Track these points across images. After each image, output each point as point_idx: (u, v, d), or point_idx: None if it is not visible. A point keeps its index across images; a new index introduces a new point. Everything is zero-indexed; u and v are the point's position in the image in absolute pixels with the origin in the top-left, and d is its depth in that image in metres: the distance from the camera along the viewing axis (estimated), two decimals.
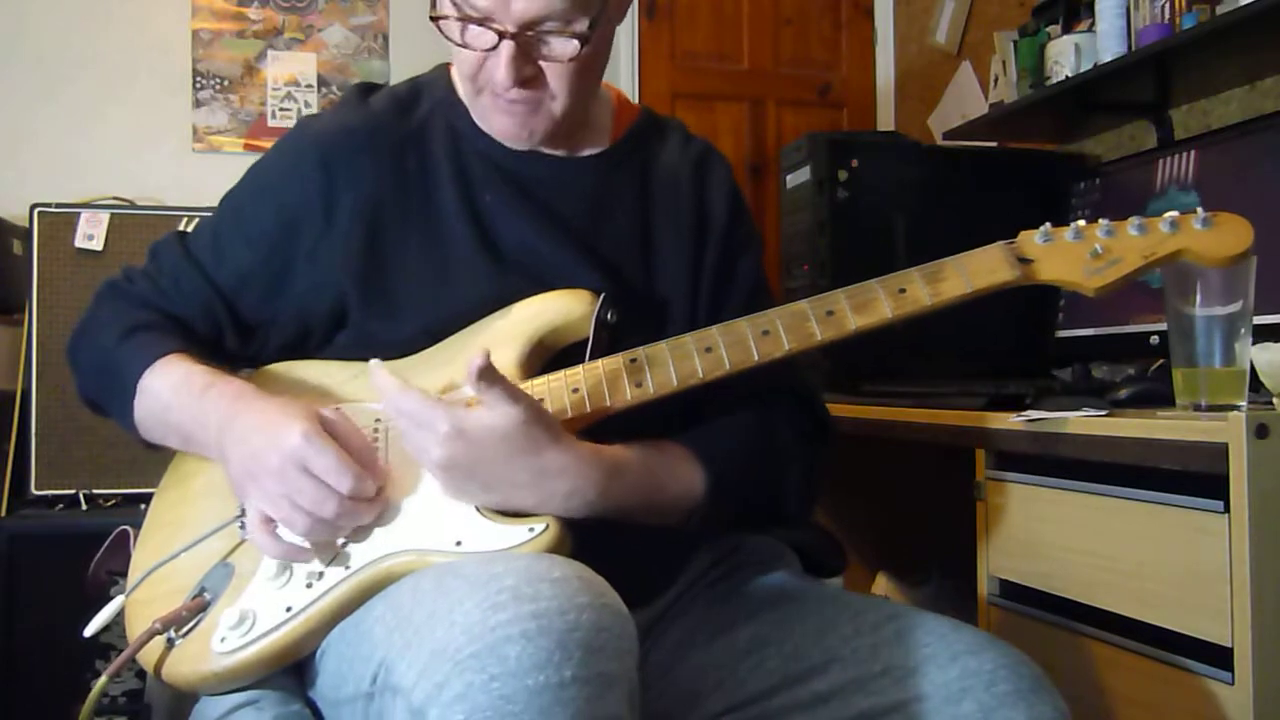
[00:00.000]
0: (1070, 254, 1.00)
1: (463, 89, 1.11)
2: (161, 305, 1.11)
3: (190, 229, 1.17)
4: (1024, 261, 1.00)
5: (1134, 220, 1.00)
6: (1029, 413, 1.21)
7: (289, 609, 0.94)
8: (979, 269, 0.99)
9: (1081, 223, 1.01)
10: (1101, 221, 1.01)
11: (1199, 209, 1.00)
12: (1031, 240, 1.01)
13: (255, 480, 0.95)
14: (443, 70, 1.17)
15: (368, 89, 1.15)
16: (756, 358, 0.98)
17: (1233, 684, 0.97)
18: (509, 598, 0.76)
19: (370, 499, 0.95)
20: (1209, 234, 0.99)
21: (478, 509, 0.94)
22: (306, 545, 0.95)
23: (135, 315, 1.10)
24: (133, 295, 1.12)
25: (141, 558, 1.06)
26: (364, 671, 0.86)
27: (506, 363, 1.00)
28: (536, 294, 1.04)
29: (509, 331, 1.02)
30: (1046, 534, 1.22)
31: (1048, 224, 1.02)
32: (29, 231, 2.36)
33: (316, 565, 0.95)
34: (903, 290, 0.98)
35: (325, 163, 1.07)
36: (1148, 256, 0.99)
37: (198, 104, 2.91)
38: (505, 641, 0.73)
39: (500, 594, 0.77)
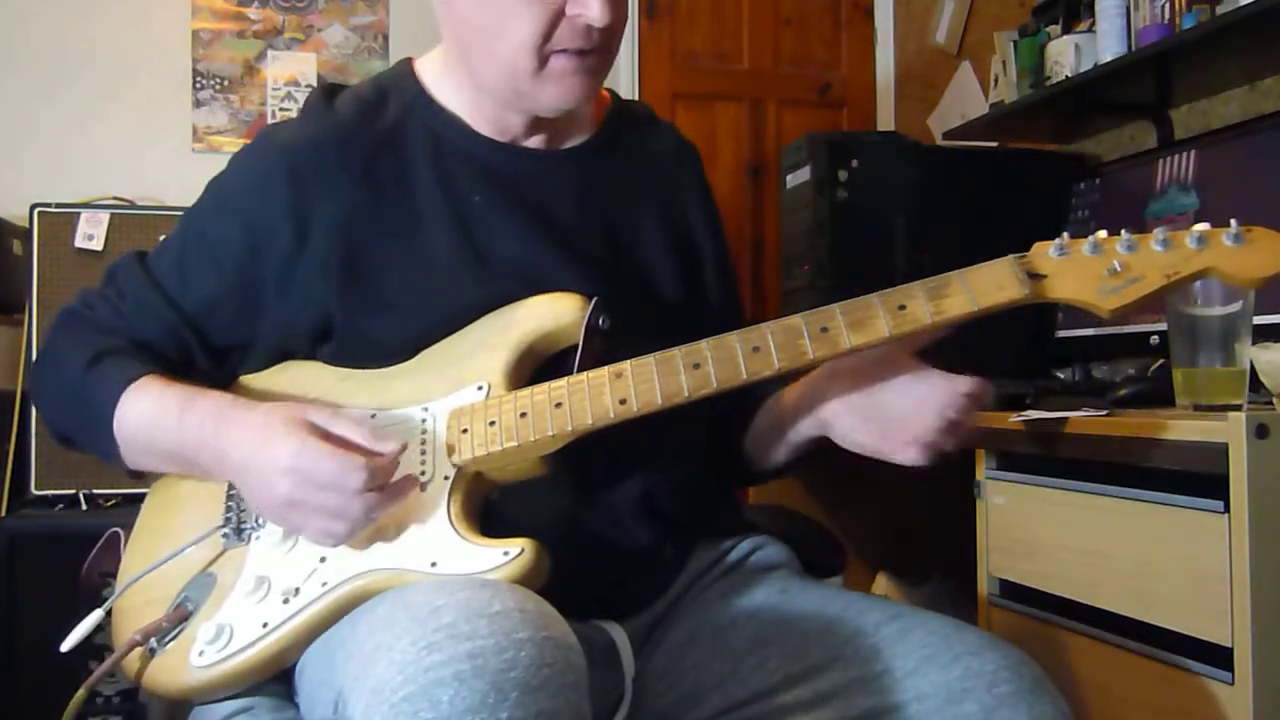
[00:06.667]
0: (1086, 270, 0.92)
1: (509, 68, 0.99)
2: (125, 331, 1.05)
3: (151, 249, 1.11)
4: (1034, 277, 0.92)
5: (1158, 234, 0.91)
6: (1029, 413, 1.22)
7: (265, 624, 0.93)
8: (985, 285, 0.92)
9: (1102, 234, 0.93)
10: (1123, 234, 0.92)
11: (1232, 221, 0.90)
12: (1045, 254, 0.93)
13: (284, 509, 0.93)
14: (405, 68, 1.12)
15: (330, 91, 1.09)
16: (745, 376, 0.93)
17: (1233, 684, 0.98)
18: (444, 636, 0.74)
19: (395, 456, 0.92)
20: (1241, 251, 0.89)
21: (454, 528, 0.92)
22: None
23: (99, 341, 1.04)
24: (94, 322, 1.07)
25: (129, 564, 1.05)
26: (328, 698, 0.85)
27: (494, 370, 0.98)
28: (527, 297, 1.01)
29: (497, 338, 1.00)
30: (1046, 534, 1.22)
31: (1065, 235, 0.94)
32: (29, 231, 2.36)
33: (293, 581, 0.94)
34: (903, 307, 0.93)
35: (294, 178, 1.02)
36: (1170, 276, 0.90)
37: (198, 104, 2.90)
38: (438, 684, 0.72)
39: (436, 632, 0.75)
